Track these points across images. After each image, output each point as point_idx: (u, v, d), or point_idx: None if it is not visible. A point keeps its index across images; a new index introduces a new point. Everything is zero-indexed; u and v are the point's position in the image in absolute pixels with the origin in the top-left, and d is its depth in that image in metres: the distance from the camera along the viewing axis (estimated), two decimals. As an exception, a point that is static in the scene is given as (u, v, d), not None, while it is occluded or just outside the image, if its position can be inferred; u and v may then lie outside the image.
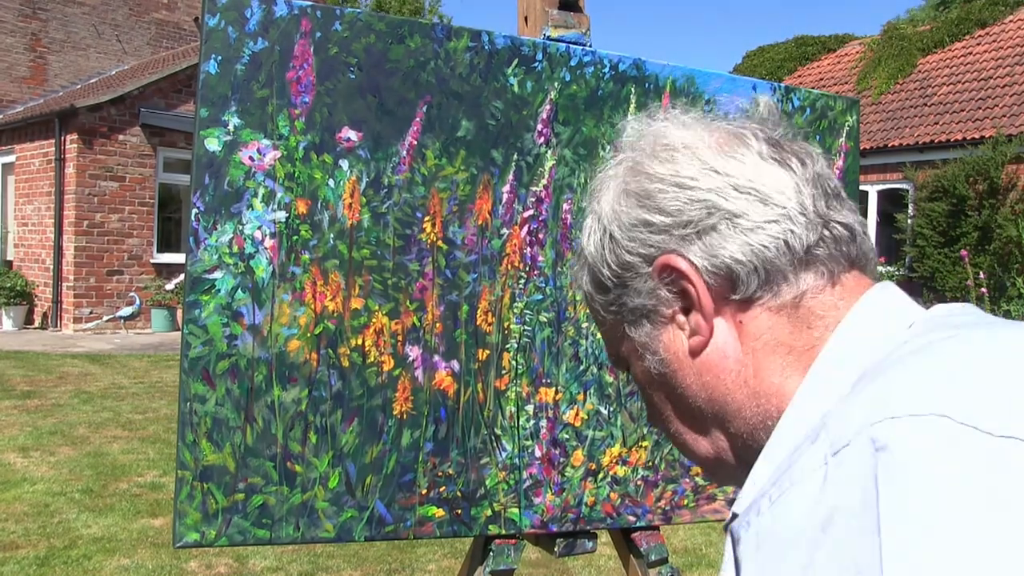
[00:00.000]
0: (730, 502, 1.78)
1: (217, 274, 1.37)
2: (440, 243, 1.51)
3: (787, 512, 0.58)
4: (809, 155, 0.72)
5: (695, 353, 0.71)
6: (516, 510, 1.57)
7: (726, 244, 0.69)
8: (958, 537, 0.48)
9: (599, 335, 1.69)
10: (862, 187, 12.17)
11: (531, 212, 1.58)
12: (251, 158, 1.38)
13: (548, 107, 1.58)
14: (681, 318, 0.72)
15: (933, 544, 0.48)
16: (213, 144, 1.36)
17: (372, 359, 1.46)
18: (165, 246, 13.88)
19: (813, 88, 1.81)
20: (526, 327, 1.58)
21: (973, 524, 0.48)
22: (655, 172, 0.72)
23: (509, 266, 1.56)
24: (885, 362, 0.60)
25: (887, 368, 0.59)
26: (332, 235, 1.43)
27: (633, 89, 1.65)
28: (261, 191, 1.39)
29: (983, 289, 8.22)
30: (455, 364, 1.53)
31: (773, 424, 0.68)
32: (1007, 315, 8.78)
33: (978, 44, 13.51)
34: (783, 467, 0.61)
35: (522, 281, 1.57)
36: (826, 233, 0.69)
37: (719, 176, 0.70)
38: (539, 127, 1.58)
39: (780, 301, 0.69)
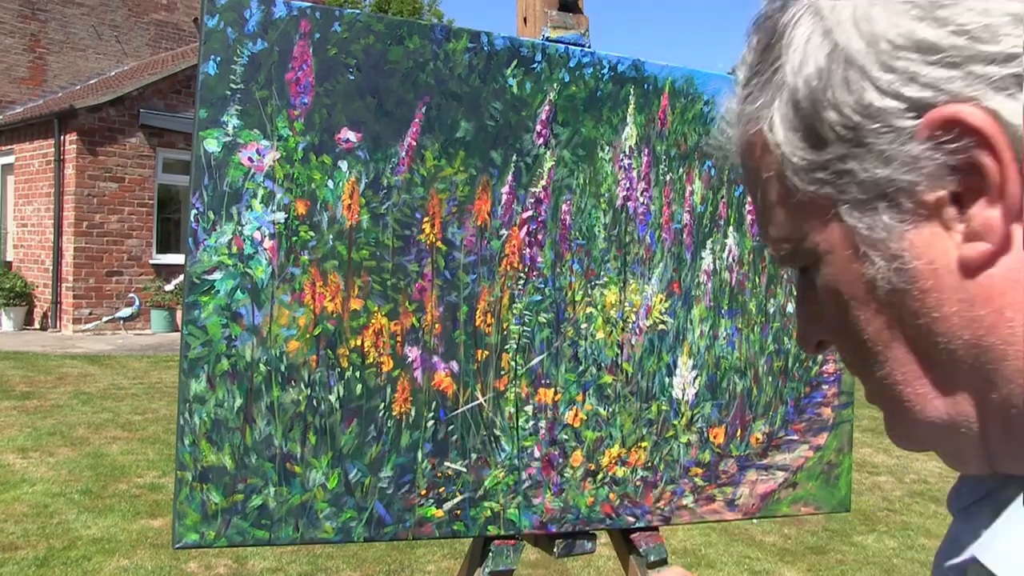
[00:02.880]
0: (729, 503, 1.78)
1: (216, 275, 1.37)
2: (439, 244, 1.51)
3: None
4: None
5: (970, 269, 0.47)
6: (515, 511, 1.58)
7: None
8: None
9: (598, 336, 1.69)
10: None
11: (530, 213, 1.58)
12: (250, 159, 1.38)
13: (547, 108, 1.58)
14: (951, 211, 0.47)
15: None
16: (212, 145, 1.36)
17: (371, 360, 1.46)
18: (164, 247, 13.88)
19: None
20: (525, 328, 1.58)
21: None
22: None
23: (508, 267, 1.56)
24: None
25: None
26: (331, 236, 1.43)
27: (632, 90, 1.66)
28: (260, 192, 1.39)
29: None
30: (454, 365, 1.53)
31: None
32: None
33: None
34: None
35: (521, 282, 1.58)
36: None
37: None
38: (538, 128, 1.58)
39: None
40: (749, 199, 1.77)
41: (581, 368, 1.63)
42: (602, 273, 1.65)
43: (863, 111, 0.48)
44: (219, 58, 1.36)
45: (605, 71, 1.63)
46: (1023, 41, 0.44)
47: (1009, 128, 0.44)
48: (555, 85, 1.59)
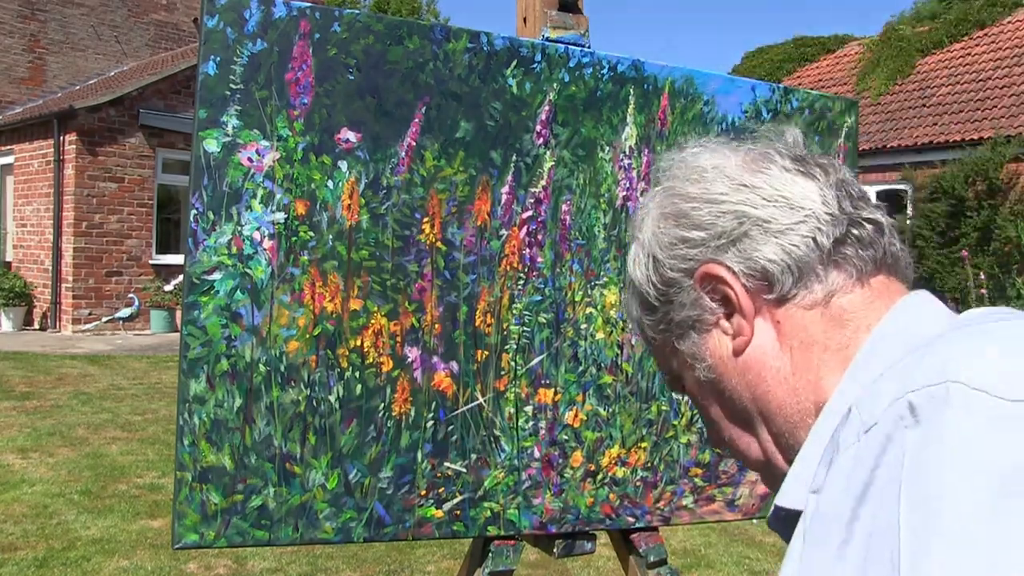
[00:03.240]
0: (729, 503, 1.78)
1: (216, 275, 1.37)
2: (439, 244, 1.51)
3: (828, 494, 0.61)
4: (832, 165, 0.77)
5: (738, 353, 0.75)
6: (515, 511, 1.57)
7: (759, 248, 0.73)
8: (970, 502, 0.50)
9: (598, 336, 1.69)
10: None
11: (530, 213, 1.58)
12: (250, 159, 1.38)
13: (547, 108, 1.58)
14: (724, 323, 0.76)
15: (946, 512, 0.50)
16: (212, 145, 1.36)
17: (371, 360, 1.46)
18: (164, 247, 13.88)
19: (812, 89, 1.81)
20: (525, 328, 1.58)
21: (985, 486, 0.50)
22: (687, 192, 0.77)
23: (508, 267, 1.56)
24: (916, 350, 0.63)
25: (915, 351, 0.62)
26: (331, 236, 1.43)
27: (632, 90, 1.65)
28: (260, 192, 1.39)
29: (983, 290, 8.22)
30: (454, 365, 1.52)
31: (812, 421, 0.70)
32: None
33: (977, 45, 13.52)
34: (824, 457, 0.64)
35: (521, 282, 1.57)
36: (852, 232, 0.73)
37: (747, 189, 0.75)
38: (538, 128, 1.58)
39: (813, 298, 0.73)
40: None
41: (581, 368, 1.63)
42: (602, 273, 1.64)
43: (665, 283, 0.78)
44: (219, 58, 1.36)
45: (605, 71, 1.63)
46: (727, 222, 0.74)
47: (735, 268, 0.73)
48: (555, 85, 1.59)
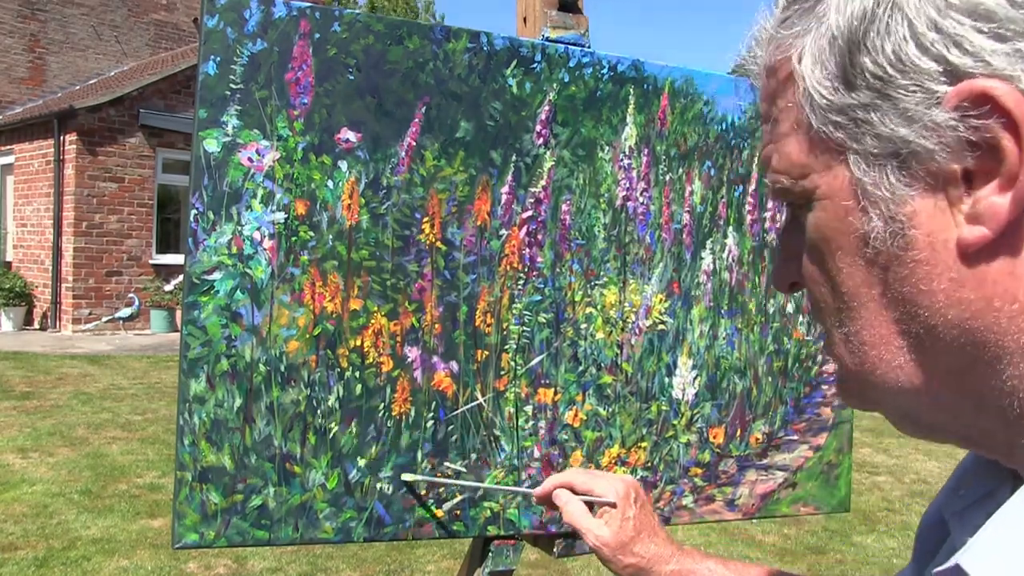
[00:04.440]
0: (729, 503, 1.78)
1: (216, 275, 1.37)
2: (439, 244, 1.51)
3: None
4: None
5: (967, 252, 0.46)
6: (515, 511, 1.57)
7: None
8: None
9: (598, 336, 1.69)
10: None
11: (530, 213, 1.58)
12: (250, 159, 1.38)
13: (547, 108, 1.58)
14: (959, 188, 0.46)
15: None
16: (212, 145, 1.36)
17: (371, 360, 1.46)
18: (164, 247, 13.89)
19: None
20: (525, 328, 1.58)
21: None
22: None
23: (508, 267, 1.56)
24: None
25: None
26: (331, 236, 1.43)
27: (632, 90, 1.66)
28: (260, 192, 1.39)
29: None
30: (454, 365, 1.53)
31: None
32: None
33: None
34: None
35: (521, 282, 1.57)
36: None
37: None
38: (538, 128, 1.58)
39: None
40: (747, 195, 1.77)
41: (581, 368, 1.63)
42: (602, 273, 1.64)
43: (898, 64, 0.45)
44: (219, 58, 1.36)
45: (605, 71, 1.63)
46: None
47: None
48: (555, 85, 1.59)
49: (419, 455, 1.50)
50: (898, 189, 0.47)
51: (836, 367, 0.56)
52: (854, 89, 0.47)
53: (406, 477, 1.47)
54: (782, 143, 0.53)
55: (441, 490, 1.53)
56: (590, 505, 1.17)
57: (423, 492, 1.51)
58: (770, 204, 1.80)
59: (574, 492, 1.18)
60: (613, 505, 1.14)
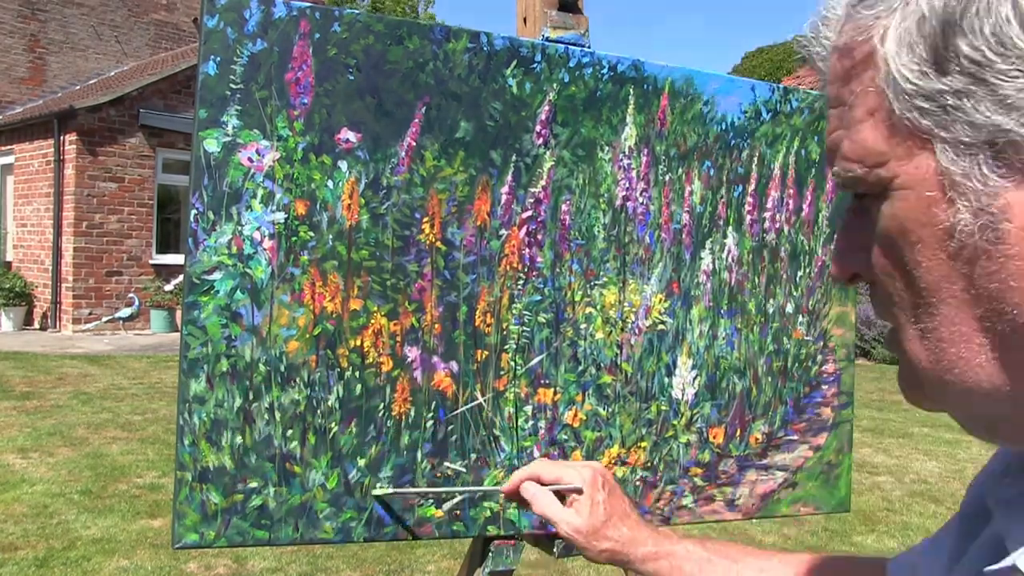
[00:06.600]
0: (729, 503, 1.78)
1: (216, 275, 1.37)
2: (439, 244, 1.51)
3: None
4: None
5: None
6: (515, 511, 1.58)
7: None
8: None
9: (597, 336, 1.69)
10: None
11: (529, 213, 1.58)
12: (250, 159, 1.38)
13: (547, 108, 1.58)
14: None
15: None
16: (212, 145, 1.36)
17: (371, 360, 1.47)
18: (164, 247, 13.88)
19: (812, 89, 1.82)
20: (524, 328, 1.58)
21: None
22: None
23: (508, 267, 1.56)
24: None
25: None
26: (331, 236, 1.43)
27: (632, 90, 1.66)
28: (260, 192, 1.39)
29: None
30: (454, 365, 1.53)
31: None
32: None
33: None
34: None
35: (520, 282, 1.58)
36: None
37: None
38: (538, 128, 1.58)
39: None
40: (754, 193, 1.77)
41: (580, 368, 1.63)
42: (601, 273, 1.65)
43: (999, 48, 0.42)
44: (219, 58, 1.36)
45: (605, 71, 1.63)
46: None
47: None
48: (555, 85, 1.59)
49: (419, 455, 1.50)
50: (991, 180, 0.44)
51: (902, 365, 0.53)
52: (946, 74, 0.44)
53: (376, 492, 1.46)
54: (856, 129, 0.50)
55: (440, 490, 1.53)
56: (561, 496, 1.16)
57: (412, 499, 1.51)
58: (770, 204, 1.80)
59: (541, 483, 1.17)
60: (580, 491, 1.13)
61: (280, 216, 1.40)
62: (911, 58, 0.46)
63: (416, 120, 1.48)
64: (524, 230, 1.58)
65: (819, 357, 1.85)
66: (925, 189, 0.47)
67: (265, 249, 1.40)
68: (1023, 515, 0.51)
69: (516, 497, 1.19)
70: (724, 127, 1.75)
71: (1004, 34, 0.42)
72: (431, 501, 1.52)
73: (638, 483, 1.69)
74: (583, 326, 1.63)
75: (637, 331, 1.68)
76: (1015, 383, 0.47)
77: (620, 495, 1.15)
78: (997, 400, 0.48)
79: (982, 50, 0.43)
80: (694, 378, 1.74)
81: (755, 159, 1.78)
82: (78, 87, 15.51)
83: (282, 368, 1.41)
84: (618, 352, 1.67)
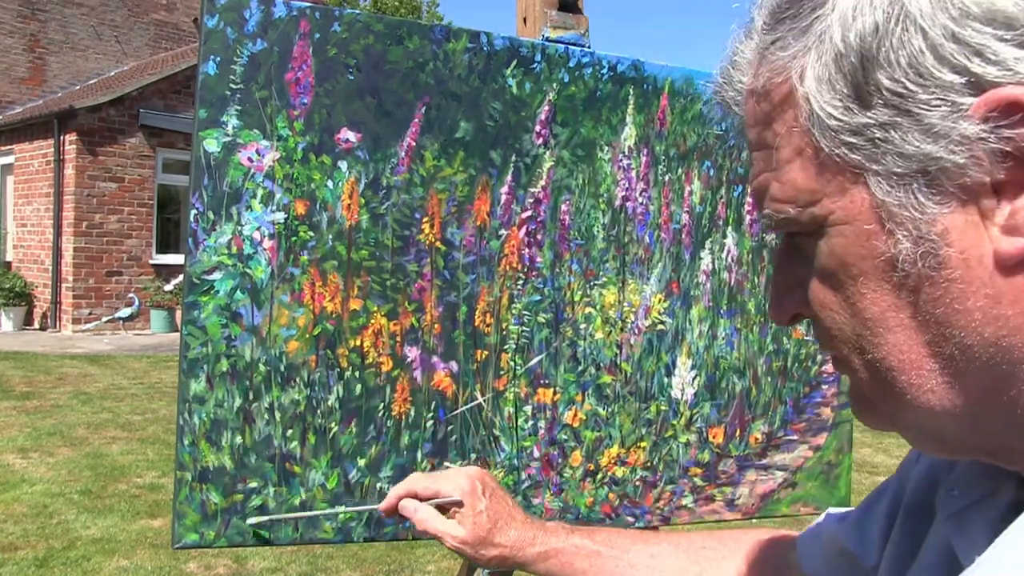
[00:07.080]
0: (729, 503, 1.78)
1: (216, 275, 1.37)
2: (439, 244, 1.51)
3: None
4: None
5: (1004, 265, 0.44)
6: (515, 511, 1.57)
7: None
8: None
9: (597, 336, 1.69)
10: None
11: (529, 213, 1.58)
12: (250, 159, 1.38)
13: (546, 108, 1.58)
14: (991, 200, 0.44)
15: None
16: (212, 145, 1.36)
17: (371, 360, 1.47)
18: (164, 247, 13.88)
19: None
20: (524, 328, 1.58)
21: None
22: None
23: (507, 267, 1.56)
24: None
25: None
26: (331, 236, 1.43)
27: (631, 90, 1.66)
28: (260, 192, 1.39)
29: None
30: (453, 365, 1.53)
31: None
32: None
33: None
34: None
35: (520, 282, 1.58)
36: None
37: None
38: (537, 128, 1.58)
39: None
40: (750, 184, 1.77)
41: (580, 368, 1.63)
42: (601, 273, 1.65)
43: (918, 78, 0.43)
44: (219, 58, 1.36)
45: (604, 71, 1.63)
46: None
47: None
48: (555, 85, 1.59)
49: (419, 455, 1.50)
50: (928, 208, 0.44)
51: (852, 387, 0.53)
52: (870, 107, 0.45)
53: (251, 521, 1.38)
54: (784, 170, 0.50)
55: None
56: (442, 508, 1.14)
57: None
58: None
59: (419, 499, 1.15)
60: (461, 504, 1.11)
61: (280, 216, 1.40)
62: (832, 95, 0.46)
63: (416, 120, 1.49)
64: (524, 230, 1.58)
65: (819, 357, 1.85)
66: (863, 223, 0.47)
67: (265, 249, 1.40)
68: (972, 530, 0.51)
69: (395, 514, 1.17)
70: (724, 127, 1.75)
71: (921, 65, 0.43)
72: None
73: (638, 483, 1.69)
74: (583, 326, 1.63)
75: (637, 331, 1.68)
76: (967, 402, 0.47)
77: (502, 497, 1.12)
78: (948, 419, 0.49)
79: (902, 82, 0.43)
80: (694, 378, 1.74)
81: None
82: (78, 87, 15.51)
83: (282, 368, 1.41)
84: (618, 352, 1.67)
